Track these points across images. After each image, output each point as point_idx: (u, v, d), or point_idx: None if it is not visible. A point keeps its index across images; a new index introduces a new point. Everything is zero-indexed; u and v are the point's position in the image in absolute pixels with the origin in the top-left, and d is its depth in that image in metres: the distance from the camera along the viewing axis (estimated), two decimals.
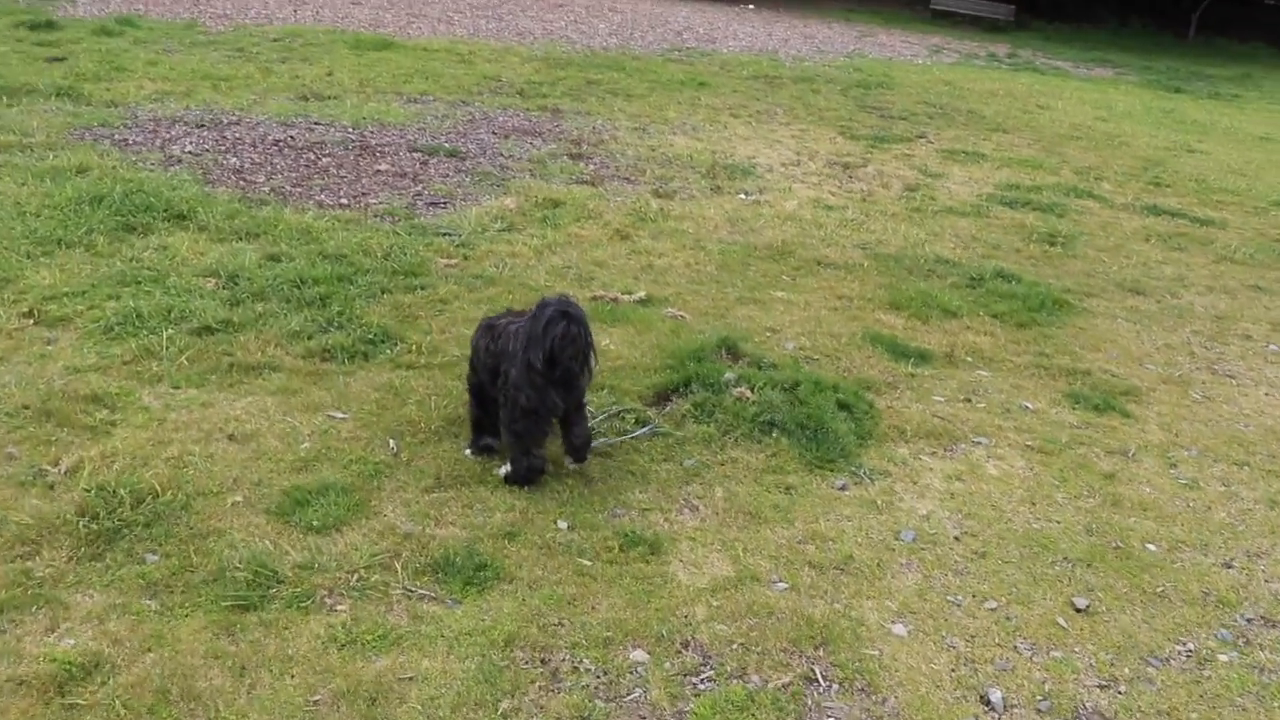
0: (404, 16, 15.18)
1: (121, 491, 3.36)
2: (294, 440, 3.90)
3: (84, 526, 3.20)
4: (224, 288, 5.09)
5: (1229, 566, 3.88)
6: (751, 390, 4.69)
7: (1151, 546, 3.94)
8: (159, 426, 3.87)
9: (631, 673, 2.92)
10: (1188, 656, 3.33)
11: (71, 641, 2.79)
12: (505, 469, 3.85)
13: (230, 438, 3.86)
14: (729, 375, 4.80)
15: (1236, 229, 9.15)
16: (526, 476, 3.79)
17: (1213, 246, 8.49)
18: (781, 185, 8.89)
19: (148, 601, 2.96)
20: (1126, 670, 3.22)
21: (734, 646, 3.08)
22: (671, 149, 9.63)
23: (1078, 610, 3.48)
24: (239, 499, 3.48)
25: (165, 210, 5.96)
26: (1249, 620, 3.56)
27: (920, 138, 11.87)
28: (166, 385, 4.19)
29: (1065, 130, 13.30)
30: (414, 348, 4.79)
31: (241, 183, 6.84)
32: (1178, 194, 10.31)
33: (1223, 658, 3.34)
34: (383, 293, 5.36)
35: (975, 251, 7.59)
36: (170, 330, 4.59)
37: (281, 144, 7.78)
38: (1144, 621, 3.47)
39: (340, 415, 4.14)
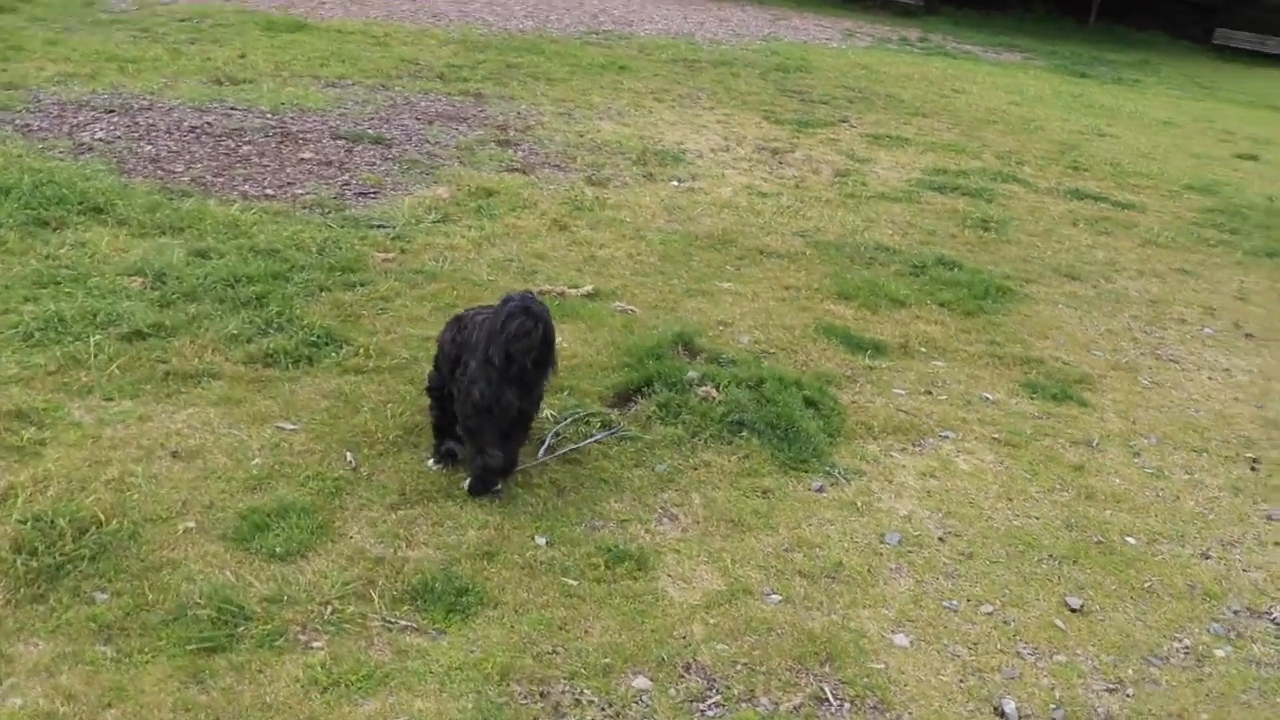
0: None
1: (60, 521, 3.04)
2: (243, 456, 3.62)
3: (21, 564, 2.88)
4: (152, 288, 4.73)
5: (1207, 557, 3.88)
6: (717, 389, 4.54)
7: (1131, 540, 3.91)
8: (94, 445, 3.54)
9: (636, 702, 2.75)
10: (1186, 653, 3.29)
11: (19, 700, 2.49)
12: (469, 481, 3.64)
13: (174, 455, 3.56)
14: (692, 374, 4.64)
15: (1155, 212, 9.32)
16: (482, 478, 3.59)
17: (1136, 230, 8.62)
18: (713, 172, 8.75)
19: (102, 648, 2.67)
20: (1130, 671, 3.16)
21: (738, 667, 2.93)
22: (599, 135, 9.42)
23: (1073, 610, 3.42)
24: (191, 525, 3.20)
25: (80, 203, 5.53)
26: (1235, 612, 3.55)
27: (843, 122, 11.85)
28: (98, 397, 3.85)
29: (982, 114, 13.43)
30: (361, 350, 4.52)
31: (160, 172, 6.41)
32: (1096, 177, 10.47)
33: (1219, 653, 3.31)
34: (321, 290, 5.05)
35: (913, 238, 7.56)
36: (98, 336, 4.23)
37: (198, 130, 7.34)
38: (1138, 619, 3.43)
39: (290, 426, 3.86)
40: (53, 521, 3.04)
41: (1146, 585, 3.63)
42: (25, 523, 3.01)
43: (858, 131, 11.40)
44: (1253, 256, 8.21)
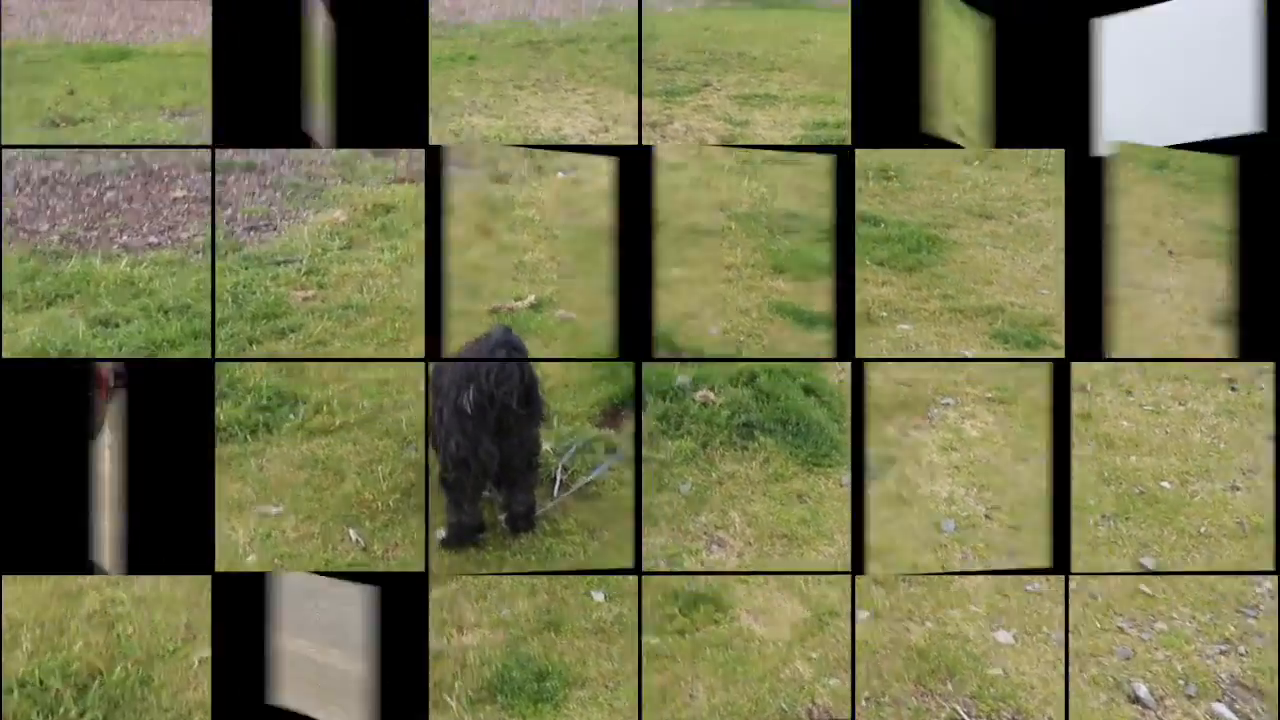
0: (129, 20, 13.47)
1: (52, 681, 2.55)
2: (235, 555, 3.15)
3: None
4: None
5: (1237, 489, 3.83)
6: (713, 390, 4.27)
7: (1165, 484, 3.83)
8: None
9: None
10: (1271, 597, 3.21)
11: None
12: (441, 532, 3.31)
13: None
14: (682, 379, 4.36)
15: None
16: (457, 537, 3.27)
17: (1025, 160, 8.72)
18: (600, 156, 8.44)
19: None
20: (1231, 628, 3.06)
21: (863, 704, 2.69)
22: (475, 130, 8.98)
23: (1149, 571, 3.30)
24: (206, 653, 2.74)
25: None
26: None
27: (706, 86, 11.66)
28: None
29: (835, 62, 13.42)
30: (320, 407, 4.06)
31: (23, 234, 5.67)
32: None
33: None
34: (251, 344, 4.53)
35: (821, 200, 7.42)
36: None
37: (50, 181, 6.56)
38: (1211, 569, 3.33)
39: (274, 510, 3.40)
40: (43, 683, 2.54)
41: (1201, 530, 3.55)
42: (11, 692, 2.50)
43: (724, 94, 11.24)
44: (1137, 170, 8.41)
